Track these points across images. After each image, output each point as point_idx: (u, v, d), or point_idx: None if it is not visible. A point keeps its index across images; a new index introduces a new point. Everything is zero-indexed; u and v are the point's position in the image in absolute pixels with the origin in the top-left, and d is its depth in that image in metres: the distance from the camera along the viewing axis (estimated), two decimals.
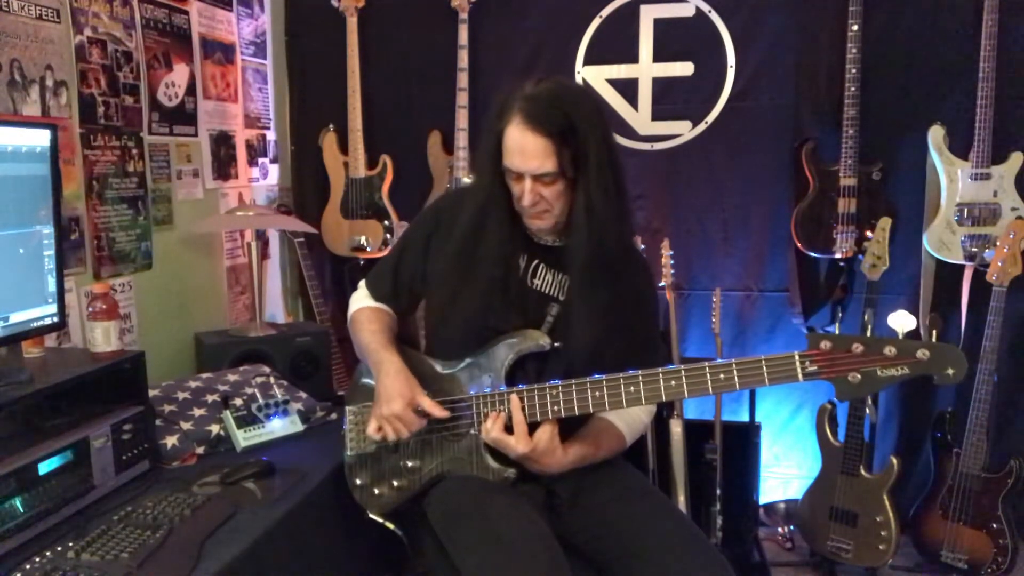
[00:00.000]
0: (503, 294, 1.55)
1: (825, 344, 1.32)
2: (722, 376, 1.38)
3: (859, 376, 1.31)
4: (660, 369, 1.42)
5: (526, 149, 1.45)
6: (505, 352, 1.55)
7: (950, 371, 1.27)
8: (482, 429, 1.50)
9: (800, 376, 1.34)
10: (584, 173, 1.47)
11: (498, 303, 1.55)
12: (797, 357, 1.34)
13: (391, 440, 1.54)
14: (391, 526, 1.66)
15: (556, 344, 1.55)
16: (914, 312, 2.75)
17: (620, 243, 1.57)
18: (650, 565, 1.43)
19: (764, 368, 1.36)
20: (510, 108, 1.47)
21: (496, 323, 1.56)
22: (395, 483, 1.63)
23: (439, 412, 1.52)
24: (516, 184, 1.50)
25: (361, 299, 1.76)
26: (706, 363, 1.39)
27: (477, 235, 1.55)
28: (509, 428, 1.48)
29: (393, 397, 1.51)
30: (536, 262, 1.60)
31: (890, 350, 1.29)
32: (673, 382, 1.41)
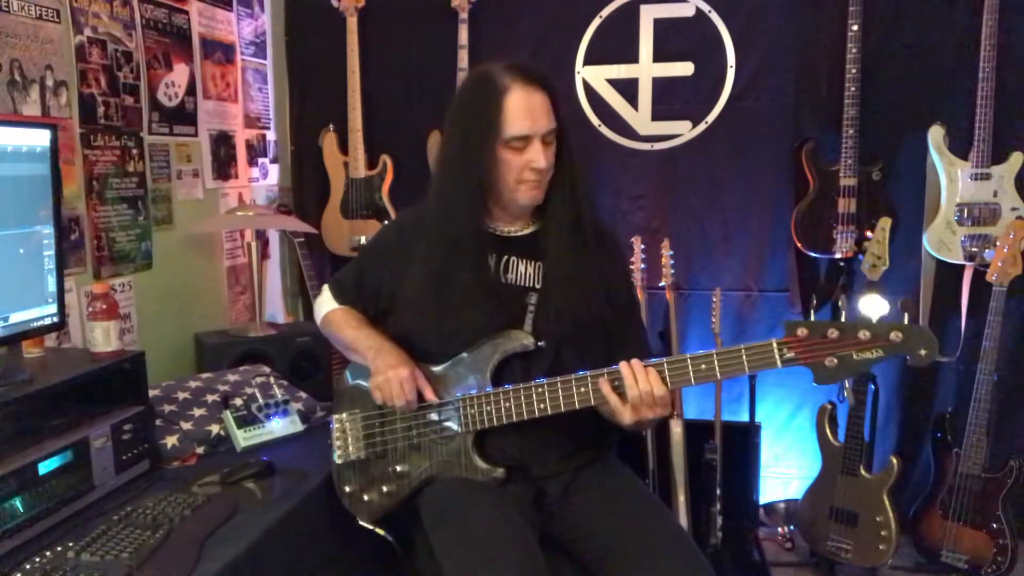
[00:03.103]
0: (480, 296, 1.55)
1: (802, 331, 1.34)
2: (703, 366, 1.39)
3: (836, 360, 1.33)
4: (643, 363, 1.43)
5: (535, 107, 1.48)
6: (489, 353, 1.54)
7: (922, 351, 1.29)
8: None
9: (779, 362, 1.35)
10: (565, 136, 1.56)
11: (476, 309, 1.54)
12: (775, 344, 1.36)
13: (394, 404, 1.53)
14: (382, 532, 1.66)
15: (540, 343, 1.55)
16: (914, 312, 2.75)
17: (591, 208, 1.62)
18: (633, 567, 1.43)
19: (744, 356, 1.37)
20: (499, 77, 1.49)
21: (478, 327, 1.55)
22: (384, 489, 1.62)
23: (429, 393, 1.55)
24: (518, 156, 1.49)
25: (327, 302, 1.77)
26: (688, 355, 1.41)
27: (453, 242, 1.54)
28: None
29: (400, 364, 1.53)
30: (507, 257, 1.59)
31: (864, 334, 1.31)
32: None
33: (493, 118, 1.47)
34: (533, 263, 1.60)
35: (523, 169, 1.50)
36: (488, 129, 1.48)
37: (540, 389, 1.48)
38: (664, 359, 1.42)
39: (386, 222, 3.04)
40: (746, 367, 1.37)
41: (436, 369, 1.60)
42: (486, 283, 1.56)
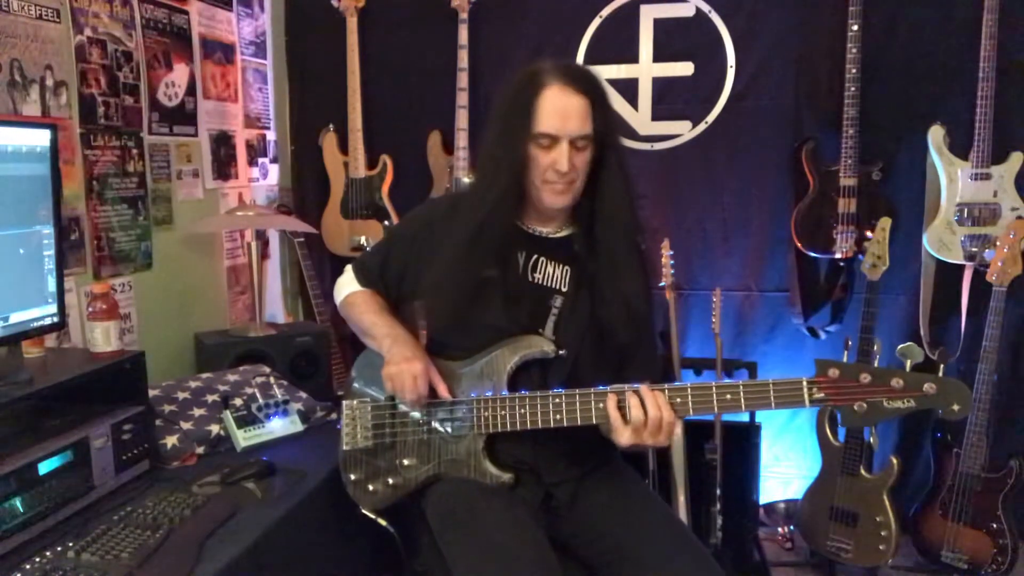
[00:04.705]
0: (504, 292, 1.55)
1: (833, 372, 1.33)
2: (728, 396, 1.38)
3: (865, 406, 1.31)
4: (667, 385, 1.42)
5: (568, 110, 1.46)
6: (508, 357, 1.54)
7: (955, 407, 1.28)
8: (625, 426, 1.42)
9: (807, 402, 1.34)
10: (612, 143, 1.53)
11: (499, 302, 1.55)
12: (805, 383, 1.34)
13: (404, 396, 1.53)
14: (383, 522, 1.66)
15: (561, 352, 1.54)
16: (914, 312, 2.75)
17: (632, 222, 1.60)
18: (643, 571, 1.43)
19: (771, 392, 1.36)
20: (543, 74, 1.48)
21: (499, 322, 1.55)
22: (390, 480, 1.63)
23: (443, 390, 1.54)
24: (545, 154, 1.48)
25: (349, 283, 1.77)
26: (713, 383, 1.40)
27: (480, 232, 1.53)
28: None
29: (415, 358, 1.53)
30: (536, 256, 1.59)
31: (897, 382, 1.30)
32: (678, 399, 1.40)
33: (527, 112, 1.47)
34: (562, 266, 1.59)
35: (547, 169, 1.49)
36: (521, 123, 1.48)
37: (557, 400, 1.47)
38: (688, 384, 1.41)
39: (386, 222, 3.04)
40: (773, 402, 1.36)
41: (453, 366, 1.60)
42: (511, 280, 1.56)
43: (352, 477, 1.67)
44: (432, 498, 1.58)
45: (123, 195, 2.32)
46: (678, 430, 2.53)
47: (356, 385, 1.70)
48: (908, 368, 1.34)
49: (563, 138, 1.46)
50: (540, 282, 1.59)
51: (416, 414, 1.60)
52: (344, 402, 1.68)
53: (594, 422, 1.46)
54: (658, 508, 1.60)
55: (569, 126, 1.46)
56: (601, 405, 1.44)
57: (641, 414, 1.39)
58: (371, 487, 1.65)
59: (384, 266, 1.72)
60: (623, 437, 1.41)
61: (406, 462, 1.61)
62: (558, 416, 1.47)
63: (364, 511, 1.66)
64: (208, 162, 2.77)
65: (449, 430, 1.57)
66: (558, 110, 1.46)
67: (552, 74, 1.48)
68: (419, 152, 3.07)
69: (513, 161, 1.49)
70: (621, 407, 1.41)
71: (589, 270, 1.57)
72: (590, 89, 1.48)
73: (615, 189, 1.54)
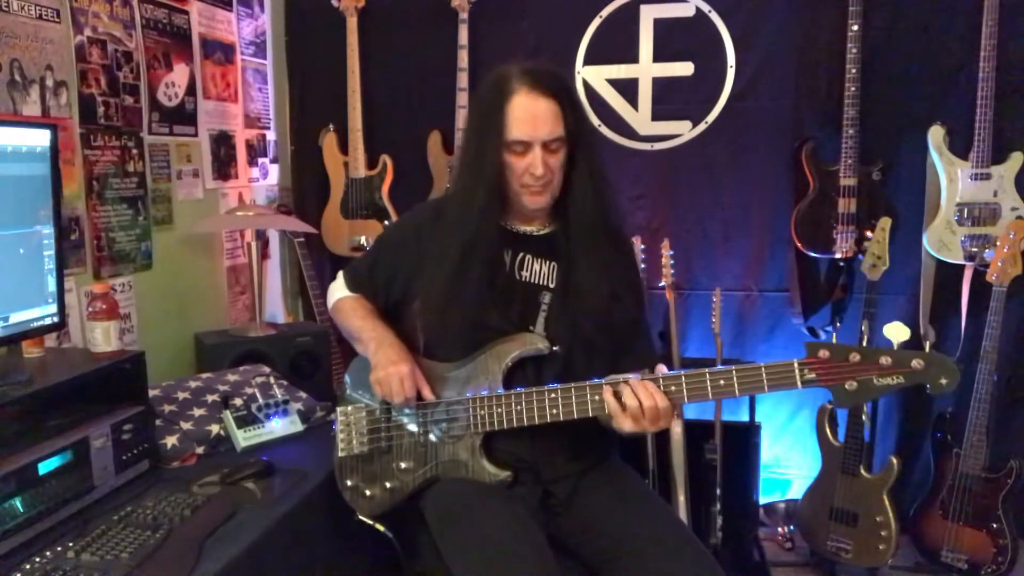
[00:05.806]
0: (493, 292, 1.55)
1: (823, 353, 1.35)
2: (722, 382, 1.39)
3: (856, 384, 1.33)
4: (660, 374, 1.43)
5: (538, 114, 1.47)
6: (503, 356, 1.54)
7: (943, 380, 1.30)
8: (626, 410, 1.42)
9: (799, 383, 1.36)
10: (582, 141, 1.54)
11: (490, 302, 1.55)
12: (796, 365, 1.36)
13: (393, 399, 1.54)
14: (381, 528, 1.66)
15: (555, 348, 1.55)
16: (914, 312, 2.75)
17: (616, 214, 1.62)
18: (642, 568, 1.43)
19: (764, 375, 1.37)
20: (510, 80, 1.49)
21: (492, 322, 1.56)
22: (387, 485, 1.63)
23: (427, 392, 1.55)
24: (520, 159, 1.50)
25: (340, 288, 1.78)
26: (706, 369, 1.40)
27: (472, 243, 1.54)
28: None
29: (401, 361, 1.54)
30: (522, 254, 1.60)
31: (886, 360, 1.32)
32: (673, 387, 1.41)
33: (497, 120, 1.48)
34: (548, 263, 1.60)
35: (523, 174, 1.50)
36: (493, 131, 1.49)
37: (553, 395, 1.47)
38: (683, 372, 1.42)
39: (385, 222, 3.04)
40: (765, 386, 1.37)
41: (448, 368, 1.60)
42: (500, 279, 1.57)
43: (348, 483, 1.67)
44: (430, 498, 1.58)
45: (123, 195, 2.32)
46: (678, 428, 2.54)
47: (350, 391, 1.70)
48: (896, 347, 1.37)
49: (535, 143, 1.48)
50: (528, 280, 1.60)
51: (412, 417, 1.60)
52: (338, 408, 1.68)
53: (591, 414, 1.46)
54: (657, 506, 1.60)
55: (540, 131, 1.47)
56: (597, 397, 1.44)
57: (636, 402, 1.40)
58: (368, 492, 1.64)
59: (372, 272, 1.73)
60: (624, 425, 1.42)
61: (403, 465, 1.61)
62: (554, 411, 1.47)
63: (361, 517, 1.66)
64: (208, 162, 2.77)
65: (446, 431, 1.57)
66: (528, 116, 1.47)
67: (519, 79, 1.49)
68: (419, 152, 3.07)
69: (490, 169, 1.51)
70: (617, 396, 1.42)
71: (572, 266, 1.58)
72: (558, 91, 1.49)
73: (583, 187, 1.55)
